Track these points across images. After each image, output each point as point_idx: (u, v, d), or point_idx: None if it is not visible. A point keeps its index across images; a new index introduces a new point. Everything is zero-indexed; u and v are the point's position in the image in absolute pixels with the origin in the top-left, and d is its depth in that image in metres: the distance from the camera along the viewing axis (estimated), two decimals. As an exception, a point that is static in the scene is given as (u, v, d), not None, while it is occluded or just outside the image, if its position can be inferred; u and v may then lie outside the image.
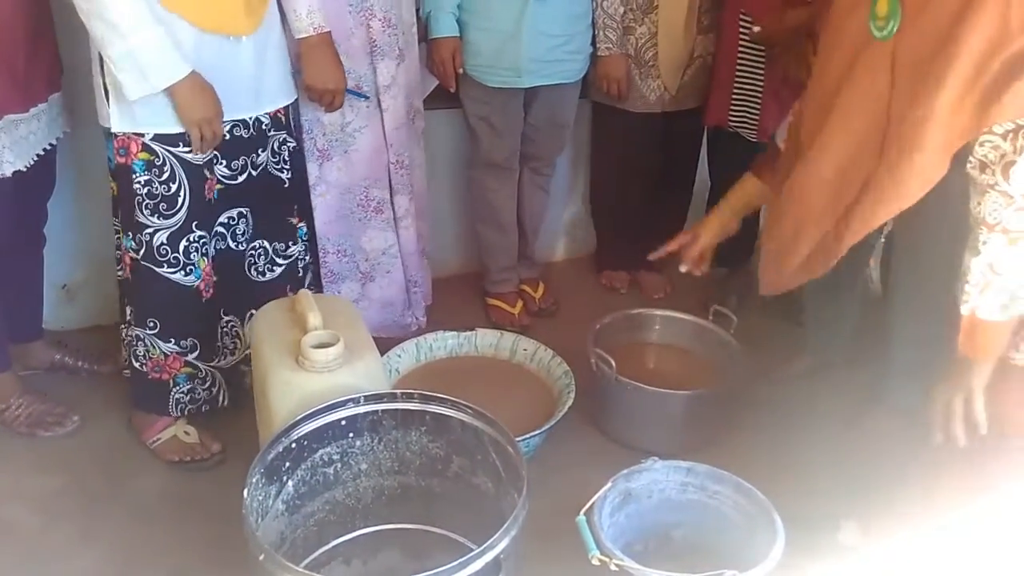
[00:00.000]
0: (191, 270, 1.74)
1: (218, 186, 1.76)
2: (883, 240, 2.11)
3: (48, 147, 1.82)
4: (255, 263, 1.90)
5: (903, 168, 1.19)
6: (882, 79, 1.19)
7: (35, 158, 1.77)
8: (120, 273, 1.79)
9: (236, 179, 1.78)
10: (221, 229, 1.81)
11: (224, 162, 1.75)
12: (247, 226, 1.85)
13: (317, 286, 2.07)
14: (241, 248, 1.87)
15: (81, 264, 2.26)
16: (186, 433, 1.89)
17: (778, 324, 2.42)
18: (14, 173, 1.72)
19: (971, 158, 1.16)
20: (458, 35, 2.11)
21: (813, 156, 1.35)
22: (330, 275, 2.19)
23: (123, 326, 1.84)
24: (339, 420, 1.44)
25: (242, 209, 1.83)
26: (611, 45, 2.23)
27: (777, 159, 1.61)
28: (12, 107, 1.68)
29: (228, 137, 1.72)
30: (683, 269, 1.78)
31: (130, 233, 1.69)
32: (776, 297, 2.52)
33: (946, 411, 1.24)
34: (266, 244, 1.90)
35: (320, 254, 2.13)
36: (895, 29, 1.16)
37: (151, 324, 1.76)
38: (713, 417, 1.99)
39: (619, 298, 2.61)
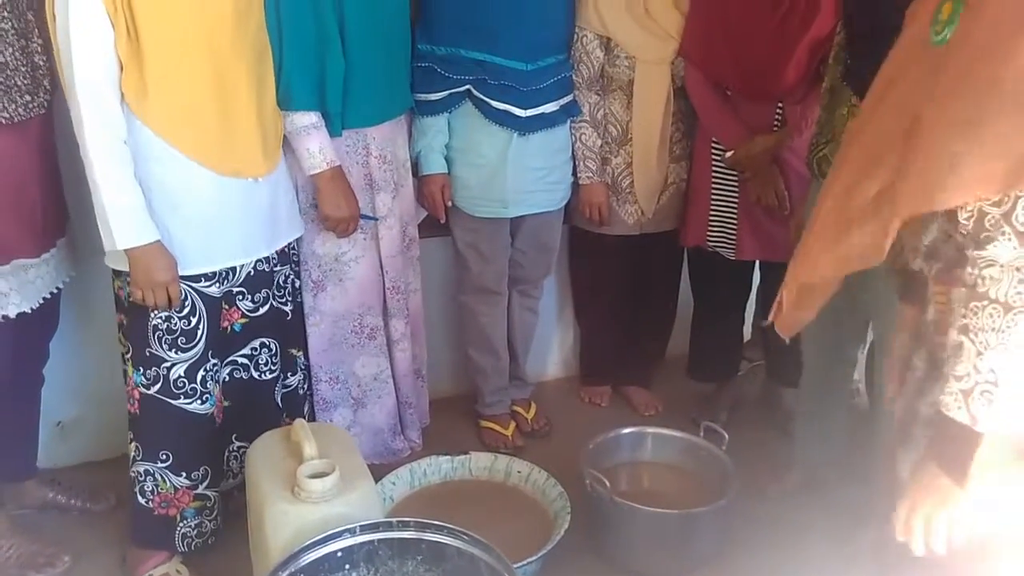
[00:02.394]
0: (207, 398, 1.79)
1: (242, 319, 1.83)
2: (866, 351, 2.19)
3: (55, 290, 1.88)
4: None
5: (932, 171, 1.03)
6: (927, 81, 1.05)
7: (41, 301, 1.82)
8: (128, 408, 1.81)
9: (258, 311, 1.86)
10: (245, 360, 1.86)
11: (250, 296, 1.82)
12: (270, 355, 1.92)
13: (311, 415, 2.10)
14: (266, 378, 1.92)
15: (76, 401, 2.28)
16: (178, 572, 1.87)
17: (769, 438, 2.44)
18: (19, 315, 1.77)
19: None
20: (446, 171, 2.23)
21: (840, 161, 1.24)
22: (322, 403, 2.22)
23: (131, 462, 1.83)
24: (335, 552, 1.44)
25: (265, 340, 1.90)
26: (591, 174, 2.35)
27: None
28: (25, 253, 1.75)
29: (252, 272, 1.81)
30: None
31: (141, 368, 1.73)
32: (767, 410, 2.58)
33: (927, 527, 1.10)
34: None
35: (313, 382, 2.17)
36: (949, 35, 1.03)
37: (164, 457, 1.78)
38: (709, 536, 1.98)
39: (610, 415, 2.64)
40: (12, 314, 1.75)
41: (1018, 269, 0.96)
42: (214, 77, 1.61)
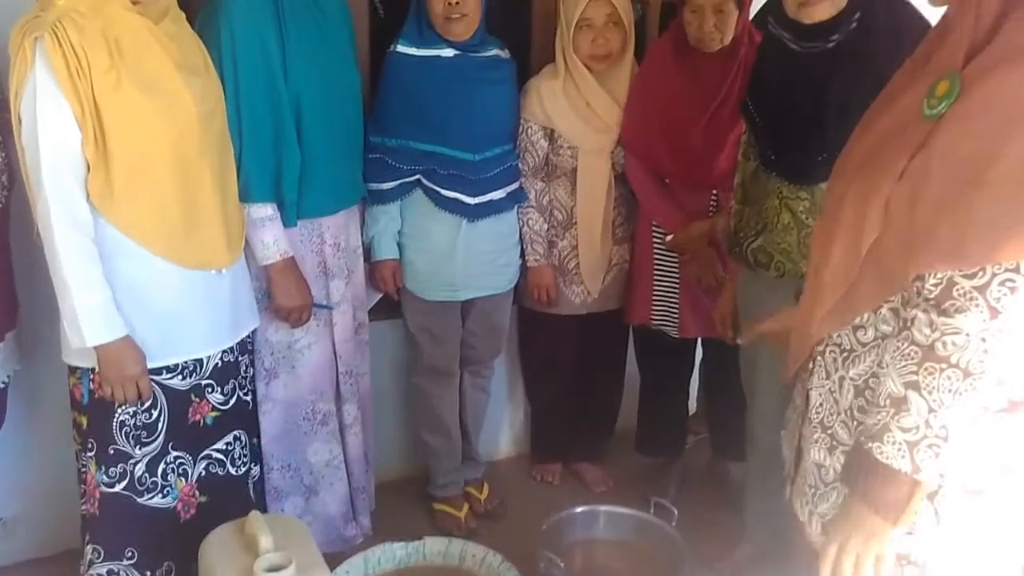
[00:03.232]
0: (168, 491, 1.76)
1: (213, 412, 1.82)
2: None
3: (1, 384, 1.85)
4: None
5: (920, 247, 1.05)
6: (916, 151, 1.06)
7: None
8: (85, 508, 1.77)
9: (228, 403, 1.86)
10: (220, 455, 1.85)
11: (219, 389, 1.82)
12: (242, 448, 1.91)
13: (263, 505, 2.08)
14: (240, 472, 1.91)
15: (20, 497, 2.21)
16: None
17: (718, 512, 2.49)
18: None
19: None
20: (398, 257, 2.30)
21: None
22: (274, 492, 2.19)
23: (84, 565, 1.78)
24: (293, 649, 1.42)
25: (237, 432, 1.89)
26: (539, 257, 2.44)
27: None
28: None
29: (220, 364, 1.81)
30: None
31: (103, 466, 1.71)
32: (714, 484, 2.64)
33: (857, 565, 1.12)
34: None
35: (264, 471, 2.15)
36: (944, 110, 1.04)
37: (129, 554, 1.74)
38: (664, 612, 2.01)
39: (562, 493, 2.66)
40: None
41: (983, 340, 1.00)
42: (179, 177, 1.64)
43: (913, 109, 1.09)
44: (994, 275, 1.00)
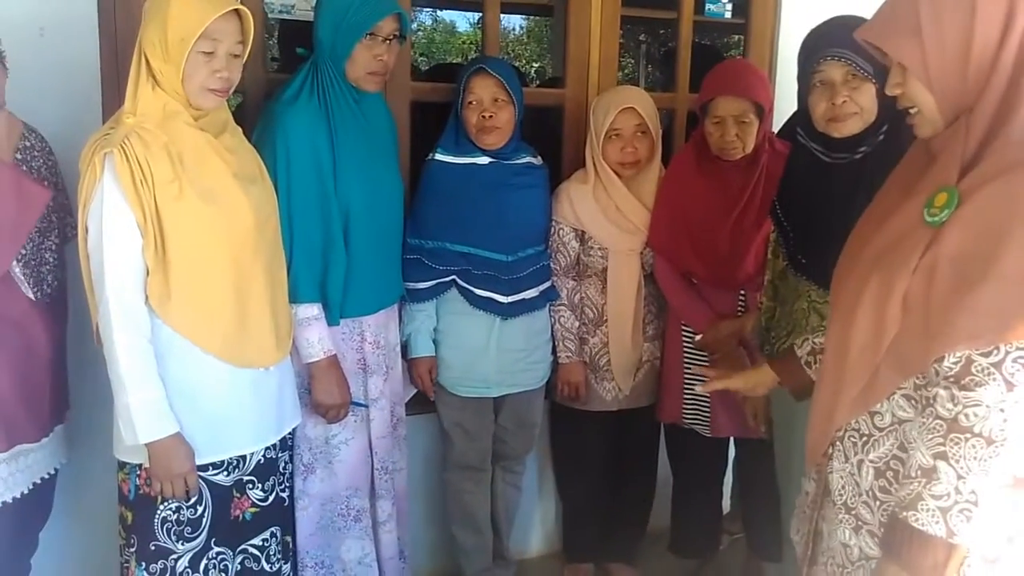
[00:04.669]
0: None
1: (252, 508, 1.86)
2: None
3: (46, 476, 1.90)
4: None
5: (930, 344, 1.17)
6: (918, 255, 1.19)
7: (30, 487, 1.84)
8: None
9: (267, 500, 1.89)
10: (256, 551, 1.88)
11: (260, 485, 1.87)
12: (277, 545, 1.93)
13: (295, 603, 2.08)
14: (274, 569, 1.93)
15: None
16: None
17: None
18: (13, 500, 1.78)
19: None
20: (433, 354, 2.36)
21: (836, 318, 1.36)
22: (307, 589, 2.20)
23: None
24: None
25: (273, 529, 1.92)
26: (570, 354, 2.48)
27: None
28: (27, 438, 1.80)
29: (263, 460, 1.86)
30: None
31: (144, 563, 1.74)
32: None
33: None
34: None
35: (299, 568, 2.16)
36: (946, 218, 1.17)
37: None
38: None
39: (594, 595, 2.62)
40: (9, 499, 1.77)
41: (1002, 410, 1.12)
42: (234, 280, 1.73)
43: (915, 217, 1.23)
44: (1007, 352, 1.12)
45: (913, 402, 1.22)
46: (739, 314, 2.36)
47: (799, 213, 1.98)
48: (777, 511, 2.17)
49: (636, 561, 2.74)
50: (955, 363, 1.15)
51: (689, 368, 2.45)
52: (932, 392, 1.17)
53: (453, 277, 2.32)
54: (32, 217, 1.77)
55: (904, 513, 1.17)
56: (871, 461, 1.28)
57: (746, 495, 2.64)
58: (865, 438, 1.29)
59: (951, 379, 1.15)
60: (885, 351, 1.24)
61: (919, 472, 1.17)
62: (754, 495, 2.54)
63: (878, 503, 1.27)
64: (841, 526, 1.33)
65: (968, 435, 1.13)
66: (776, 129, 2.41)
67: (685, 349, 2.45)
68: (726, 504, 2.77)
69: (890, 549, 1.20)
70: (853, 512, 1.31)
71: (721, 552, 2.70)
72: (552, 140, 2.70)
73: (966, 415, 1.13)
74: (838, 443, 1.34)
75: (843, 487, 1.34)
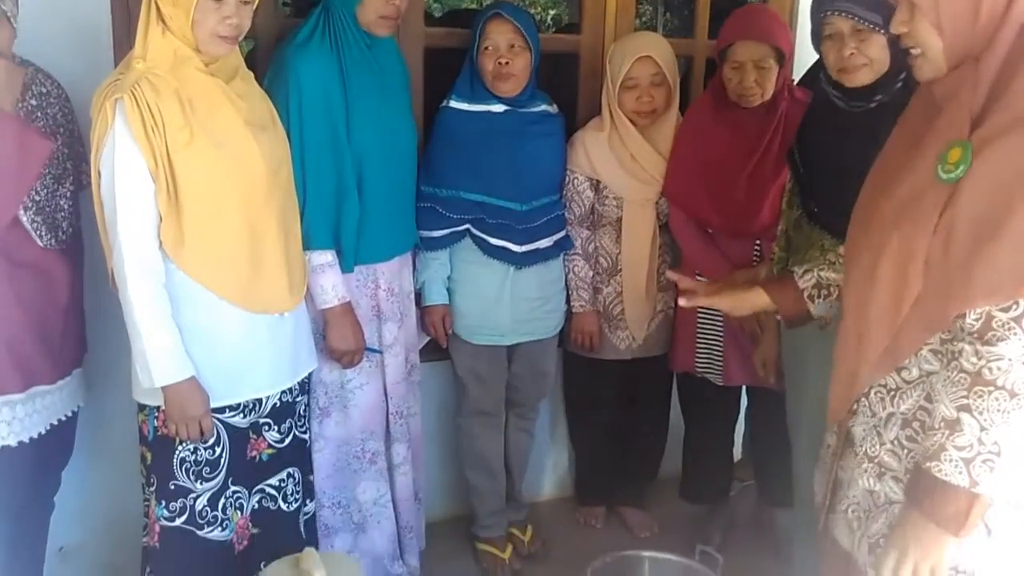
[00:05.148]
0: (226, 525, 1.84)
1: (268, 450, 1.91)
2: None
3: (63, 418, 1.94)
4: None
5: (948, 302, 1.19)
6: (934, 213, 1.19)
7: (48, 427, 1.88)
8: (146, 540, 1.85)
9: (284, 442, 1.93)
10: (273, 491, 1.93)
11: (276, 427, 1.91)
12: (295, 485, 1.98)
13: (315, 541, 2.13)
14: (291, 509, 1.98)
15: (79, 527, 2.30)
16: None
17: (763, 559, 2.48)
18: (31, 440, 1.83)
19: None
20: (447, 302, 2.37)
21: (851, 276, 1.37)
22: (324, 528, 2.25)
23: None
24: None
25: (291, 470, 1.97)
26: (583, 303, 2.49)
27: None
28: (43, 380, 1.83)
29: (278, 404, 1.90)
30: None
31: (164, 501, 1.79)
32: (760, 531, 2.63)
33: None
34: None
35: (315, 507, 2.22)
36: (962, 174, 1.17)
37: None
38: (708, 661, 2.00)
39: (605, 536, 2.67)
40: (15, 443, 1.79)
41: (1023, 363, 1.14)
42: (247, 226, 1.74)
43: (929, 174, 1.22)
44: None
45: (939, 355, 1.24)
46: (754, 264, 2.35)
47: (814, 160, 1.96)
48: (788, 459, 2.19)
49: (647, 505, 2.78)
50: (976, 319, 1.17)
51: (703, 318, 2.45)
52: (957, 347, 1.19)
53: (467, 226, 2.32)
54: (35, 167, 1.76)
55: (928, 464, 1.20)
56: (901, 413, 1.29)
57: (757, 443, 2.67)
58: (892, 392, 1.30)
59: (974, 335, 1.17)
60: (908, 311, 1.25)
61: (943, 424, 1.19)
62: (765, 443, 2.57)
63: (905, 451, 1.29)
64: (865, 475, 1.34)
65: (991, 388, 1.15)
66: (796, 80, 2.36)
67: (699, 299, 2.45)
68: (737, 452, 2.80)
69: (913, 498, 1.23)
70: (875, 460, 1.33)
71: (731, 498, 2.73)
72: (568, 88, 2.67)
73: (989, 368, 1.15)
74: (864, 399, 1.35)
75: (864, 439, 1.35)
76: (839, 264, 1.50)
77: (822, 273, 1.53)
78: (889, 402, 1.31)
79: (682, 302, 1.67)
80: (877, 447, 1.32)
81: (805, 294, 1.55)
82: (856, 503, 1.36)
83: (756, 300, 1.60)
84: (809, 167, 1.99)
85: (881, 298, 1.28)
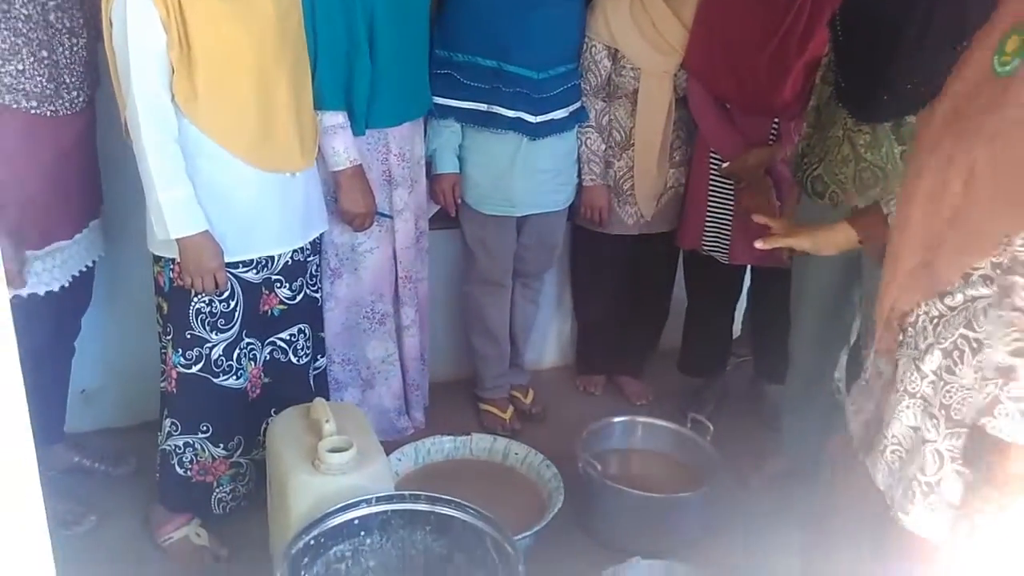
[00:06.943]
0: (241, 374, 1.94)
1: (280, 306, 1.97)
2: (848, 352, 2.33)
3: (84, 269, 1.99)
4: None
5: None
6: (989, 115, 1.07)
7: (71, 279, 1.94)
8: (163, 386, 1.94)
9: (295, 299, 1.99)
10: (284, 344, 2.01)
11: (287, 285, 1.96)
12: (305, 341, 2.06)
13: (325, 394, 2.24)
14: (302, 362, 2.06)
15: (100, 371, 2.41)
16: (197, 535, 2.01)
17: (753, 430, 2.59)
18: (56, 291, 1.89)
19: None
20: (458, 171, 2.37)
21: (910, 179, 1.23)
22: (334, 382, 2.36)
23: (163, 436, 1.95)
24: (352, 519, 1.58)
25: (302, 326, 2.04)
26: (595, 177, 2.48)
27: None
28: (61, 235, 1.88)
29: (290, 262, 1.94)
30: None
31: (180, 349, 1.86)
32: (751, 404, 2.73)
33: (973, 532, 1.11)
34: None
35: (326, 363, 2.31)
36: (1018, 65, 1.04)
37: (204, 428, 1.93)
38: (691, 519, 2.14)
39: (602, 403, 2.78)
40: (42, 292, 1.86)
41: None
42: (258, 81, 1.73)
43: (986, 65, 1.08)
44: None
45: (990, 283, 1.09)
46: (770, 143, 2.32)
47: (851, 29, 1.89)
48: (786, 337, 2.25)
49: (644, 376, 2.87)
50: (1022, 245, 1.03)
51: (713, 196, 2.45)
52: (1009, 280, 1.04)
53: (484, 105, 2.27)
54: None
55: (981, 420, 1.07)
56: (940, 345, 1.17)
57: (757, 320, 2.72)
58: (936, 320, 1.17)
59: None
60: (947, 228, 1.12)
61: (995, 372, 1.05)
62: (765, 321, 2.62)
63: (942, 383, 1.16)
64: (907, 411, 1.22)
65: None
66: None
67: (711, 177, 2.44)
68: (736, 329, 2.86)
69: (973, 465, 1.09)
70: (918, 395, 1.21)
71: (727, 373, 2.82)
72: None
73: None
74: (910, 328, 1.22)
75: (904, 373, 1.23)
76: None
77: None
78: (932, 332, 1.18)
79: (758, 244, 1.52)
80: (918, 381, 1.20)
81: (889, 221, 1.38)
82: (897, 444, 1.24)
83: (841, 237, 1.47)
84: (846, 36, 1.92)
85: (920, 203, 1.15)
